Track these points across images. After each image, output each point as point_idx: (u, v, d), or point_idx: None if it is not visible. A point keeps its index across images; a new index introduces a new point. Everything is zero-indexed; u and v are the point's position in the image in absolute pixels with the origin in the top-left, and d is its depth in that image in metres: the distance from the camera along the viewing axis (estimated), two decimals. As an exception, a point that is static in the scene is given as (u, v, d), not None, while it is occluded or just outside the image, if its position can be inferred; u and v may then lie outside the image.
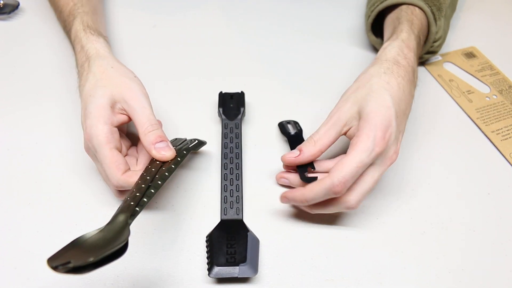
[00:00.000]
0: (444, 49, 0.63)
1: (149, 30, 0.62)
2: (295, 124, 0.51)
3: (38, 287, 0.39)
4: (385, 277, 0.40)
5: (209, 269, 0.39)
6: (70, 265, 0.28)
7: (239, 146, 0.47)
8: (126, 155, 0.43)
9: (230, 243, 0.40)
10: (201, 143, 0.46)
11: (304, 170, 0.44)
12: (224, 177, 0.45)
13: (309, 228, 0.44)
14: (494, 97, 0.57)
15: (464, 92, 0.57)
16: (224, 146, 0.47)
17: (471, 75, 0.59)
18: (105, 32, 0.53)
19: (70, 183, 0.46)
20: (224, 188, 0.44)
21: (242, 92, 0.52)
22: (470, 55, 0.62)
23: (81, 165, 0.47)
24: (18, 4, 0.64)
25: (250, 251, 0.39)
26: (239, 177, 0.45)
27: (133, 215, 0.34)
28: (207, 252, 0.40)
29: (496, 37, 0.65)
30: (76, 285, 0.39)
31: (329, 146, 0.42)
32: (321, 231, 0.43)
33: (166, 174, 0.38)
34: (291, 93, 0.56)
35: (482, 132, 0.53)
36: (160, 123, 0.44)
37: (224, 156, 0.47)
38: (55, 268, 0.29)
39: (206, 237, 0.41)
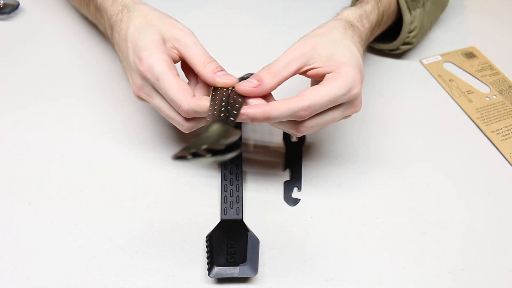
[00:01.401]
0: (444, 49, 0.63)
1: (149, 30, 0.62)
2: None
3: (38, 287, 0.39)
4: (385, 277, 0.40)
5: (209, 269, 0.39)
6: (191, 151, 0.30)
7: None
8: None
9: (230, 243, 0.40)
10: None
11: (291, 189, 0.46)
12: (224, 177, 0.45)
13: (309, 228, 0.44)
14: (494, 97, 0.57)
15: (464, 92, 0.57)
16: None
17: (471, 75, 0.59)
18: None
19: (70, 183, 0.46)
20: (224, 188, 0.44)
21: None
22: (470, 55, 0.62)
23: (81, 165, 0.47)
24: (18, 4, 0.64)
25: (250, 251, 0.39)
26: (239, 177, 0.45)
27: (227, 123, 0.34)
28: (207, 252, 0.40)
29: (496, 37, 0.65)
30: (76, 284, 0.39)
31: (285, 80, 0.40)
32: (321, 231, 0.43)
33: (235, 96, 0.38)
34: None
35: (482, 132, 0.53)
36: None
37: None
38: (177, 157, 0.30)
39: (206, 237, 0.41)
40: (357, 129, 0.52)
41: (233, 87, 0.39)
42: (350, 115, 0.42)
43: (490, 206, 0.46)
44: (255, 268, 0.39)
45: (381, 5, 0.50)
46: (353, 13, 0.46)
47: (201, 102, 0.38)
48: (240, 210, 0.43)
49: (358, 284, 0.40)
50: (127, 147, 0.49)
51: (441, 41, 0.64)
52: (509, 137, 0.52)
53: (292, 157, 0.49)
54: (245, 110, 0.37)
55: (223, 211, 0.43)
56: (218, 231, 0.41)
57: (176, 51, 0.41)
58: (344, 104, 0.40)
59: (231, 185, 0.45)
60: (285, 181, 0.47)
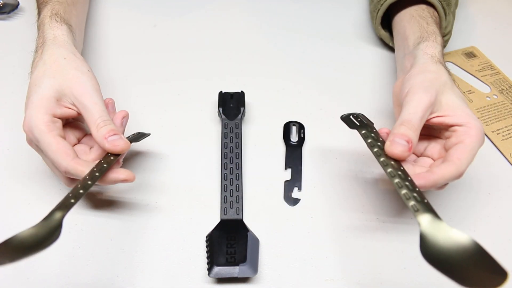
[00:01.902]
0: (444, 49, 0.62)
1: (149, 30, 0.62)
2: (300, 128, 0.51)
3: (38, 287, 0.39)
4: (385, 277, 0.40)
5: (209, 269, 0.39)
6: None
7: (239, 146, 0.47)
8: (76, 144, 0.42)
9: (230, 243, 0.40)
10: (143, 135, 0.46)
11: (291, 189, 0.46)
12: (224, 177, 0.45)
13: (309, 228, 0.44)
14: (495, 97, 0.57)
15: (464, 92, 0.57)
16: (224, 146, 0.47)
17: (472, 75, 0.59)
18: (78, 25, 0.51)
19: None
20: (224, 188, 0.44)
21: (242, 91, 0.52)
22: (470, 55, 0.62)
23: (81, 165, 0.47)
24: (18, 4, 0.64)
25: (250, 251, 0.39)
26: (239, 177, 0.45)
27: (67, 207, 0.34)
28: (207, 252, 0.40)
29: (496, 37, 0.65)
30: (76, 284, 0.39)
31: None
32: (321, 231, 0.43)
33: (105, 165, 0.38)
34: (291, 92, 0.56)
35: (482, 132, 0.53)
36: (125, 114, 0.43)
37: (224, 156, 0.47)
38: None
39: (206, 237, 0.41)
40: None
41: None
42: None
43: (490, 206, 0.46)
44: (255, 268, 0.39)
45: (441, 30, 0.51)
46: (439, 51, 0.47)
47: (79, 166, 0.38)
48: (240, 210, 0.43)
49: (358, 284, 0.40)
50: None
51: (441, 41, 0.64)
52: (510, 137, 0.52)
53: (292, 157, 0.49)
54: (417, 181, 0.37)
55: (223, 211, 0.43)
56: (218, 231, 0.41)
57: (74, 108, 0.41)
58: None
59: (231, 185, 0.45)
60: (285, 181, 0.47)
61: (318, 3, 0.67)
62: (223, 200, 0.44)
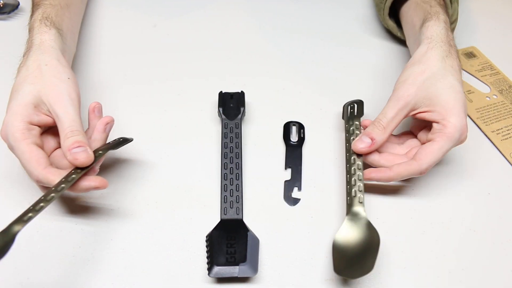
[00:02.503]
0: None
1: (149, 30, 0.62)
2: (300, 128, 0.51)
3: (38, 287, 0.39)
4: (385, 277, 0.40)
5: (209, 269, 0.38)
6: None
7: (239, 146, 0.47)
8: (57, 149, 0.42)
9: (230, 242, 0.40)
10: (125, 140, 0.45)
11: (291, 189, 0.46)
12: (224, 177, 0.45)
13: (309, 228, 0.44)
14: (494, 97, 0.57)
15: (464, 92, 0.57)
16: (224, 146, 0.47)
17: (471, 75, 0.59)
18: (71, 28, 0.51)
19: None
20: (224, 188, 0.44)
21: (242, 91, 0.52)
22: (470, 55, 0.62)
23: (81, 165, 0.47)
24: (18, 4, 0.64)
25: (250, 250, 0.39)
26: (239, 176, 0.45)
27: (24, 222, 0.35)
28: (207, 252, 0.40)
29: (496, 37, 0.65)
30: (76, 284, 0.39)
31: (394, 129, 0.44)
32: (321, 230, 0.43)
33: (73, 176, 0.38)
34: (291, 92, 0.56)
35: (482, 132, 0.53)
36: (109, 120, 0.42)
37: (224, 155, 0.46)
38: None
39: (206, 236, 0.41)
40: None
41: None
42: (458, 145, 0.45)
43: (490, 206, 0.46)
44: (255, 268, 0.39)
45: (446, 10, 0.51)
46: (439, 28, 0.47)
47: (50, 176, 0.38)
48: (240, 209, 0.43)
49: (358, 284, 0.40)
50: (126, 147, 0.49)
51: (441, 41, 0.64)
52: (509, 137, 0.52)
53: (292, 157, 0.49)
54: (370, 174, 0.43)
55: (223, 210, 0.43)
56: (218, 231, 0.41)
57: (51, 115, 0.41)
58: None
59: (231, 184, 0.44)
60: (285, 181, 0.47)
61: (318, 3, 0.67)
62: (223, 200, 0.44)
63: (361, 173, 0.43)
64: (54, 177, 0.38)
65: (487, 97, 0.57)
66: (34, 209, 0.35)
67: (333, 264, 0.38)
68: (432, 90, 0.43)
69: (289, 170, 0.48)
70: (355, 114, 0.48)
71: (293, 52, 0.61)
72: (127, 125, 0.51)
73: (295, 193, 0.46)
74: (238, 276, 0.38)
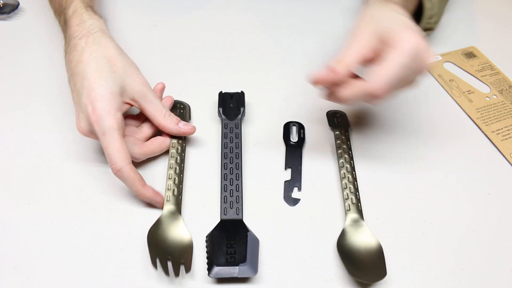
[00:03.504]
0: (444, 49, 0.63)
1: (149, 30, 0.62)
2: (300, 128, 0.51)
3: (38, 287, 0.39)
4: (385, 278, 0.40)
5: (209, 269, 0.38)
6: None
7: (239, 146, 0.47)
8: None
9: (230, 243, 0.40)
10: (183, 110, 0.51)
11: (291, 189, 0.46)
12: (224, 177, 0.45)
13: (309, 228, 0.44)
14: (494, 97, 0.57)
15: (464, 92, 0.57)
16: (224, 146, 0.47)
17: (471, 75, 0.59)
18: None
19: (70, 183, 0.46)
20: (224, 188, 0.44)
21: (242, 92, 0.52)
22: (470, 55, 0.62)
23: (81, 165, 0.47)
24: (18, 4, 0.64)
25: (250, 251, 0.39)
26: (239, 177, 0.45)
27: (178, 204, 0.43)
28: (206, 252, 0.40)
29: (496, 37, 0.65)
30: (76, 284, 0.39)
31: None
32: (321, 231, 0.43)
33: (179, 151, 0.47)
34: (291, 92, 0.56)
35: (482, 132, 0.53)
36: (171, 102, 0.50)
37: (224, 156, 0.47)
38: None
39: (206, 237, 0.41)
40: (356, 129, 0.52)
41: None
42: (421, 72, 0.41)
43: (490, 206, 0.46)
44: (255, 268, 0.39)
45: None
46: None
47: (132, 173, 0.41)
48: (239, 210, 0.43)
49: (358, 284, 0.40)
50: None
51: (441, 41, 0.64)
52: (509, 137, 0.52)
53: (292, 157, 0.49)
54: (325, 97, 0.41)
55: (223, 211, 0.43)
56: (218, 231, 0.41)
57: (135, 103, 0.43)
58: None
59: (231, 185, 0.44)
60: (285, 181, 0.47)
61: (318, 3, 0.67)
62: (223, 200, 0.44)
63: (350, 176, 0.46)
64: (135, 175, 0.42)
65: (487, 97, 0.57)
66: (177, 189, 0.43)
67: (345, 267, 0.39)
68: (383, 22, 0.40)
69: (289, 170, 0.48)
70: (342, 123, 0.51)
71: (293, 52, 0.61)
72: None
73: (295, 193, 0.46)
74: (238, 276, 0.38)
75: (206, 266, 0.39)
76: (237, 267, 0.38)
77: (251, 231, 0.41)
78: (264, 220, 0.44)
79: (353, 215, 0.43)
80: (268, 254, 0.42)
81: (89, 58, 0.43)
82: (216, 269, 0.38)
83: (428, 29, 0.58)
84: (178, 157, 0.46)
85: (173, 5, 0.66)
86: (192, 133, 0.47)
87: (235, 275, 0.38)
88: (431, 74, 0.59)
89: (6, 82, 0.55)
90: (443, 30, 0.65)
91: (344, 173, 0.46)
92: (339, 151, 0.48)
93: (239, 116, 0.49)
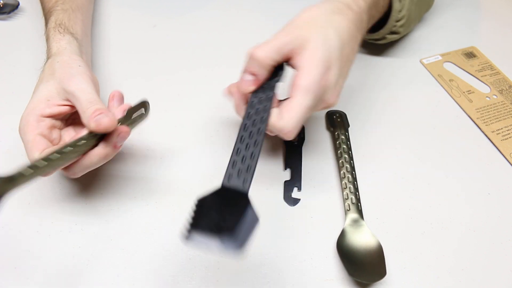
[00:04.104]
0: (444, 49, 0.63)
1: (149, 30, 0.62)
2: (300, 128, 0.51)
3: (38, 287, 0.39)
4: (385, 277, 0.40)
5: (187, 232, 0.30)
6: None
7: (267, 109, 0.38)
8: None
9: (222, 211, 0.31)
10: (140, 113, 0.43)
11: (291, 189, 0.46)
12: (240, 139, 0.36)
13: (309, 228, 0.44)
14: (494, 97, 0.57)
15: (464, 92, 0.57)
16: (250, 104, 0.39)
17: (471, 75, 0.59)
18: (85, 29, 0.52)
19: (70, 183, 0.46)
20: (236, 151, 0.36)
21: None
22: (470, 55, 0.62)
23: (81, 165, 0.47)
24: (18, 4, 0.64)
25: (244, 225, 0.30)
26: (258, 144, 0.36)
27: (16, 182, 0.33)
28: (190, 215, 0.31)
29: (496, 37, 0.65)
30: (76, 284, 0.39)
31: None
32: (321, 231, 0.43)
33: (83, 142, 0.37)
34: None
35: (482, 132, 0.53)
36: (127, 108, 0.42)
37: (247, 116, 0.38)
38: None
39: (196, 201, 0.32)
40: (357, 129, 0.52)
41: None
42: (323, 108, 0.42)
43: (490, 206, 0.46)
44: (241, 243, 0.29)
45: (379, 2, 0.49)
46: None
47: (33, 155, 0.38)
48: (247, 181, 0.34)
49: (358, 284, 0.40)
50: (127, 147, 0.49)
51: (441, 41, 0.64)
52: (509, 137, 0.52)
53: (292, 157, 0.49)
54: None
55: (227, 177, 0.34)
56: (213, 198, 0.32)
57: (67, 102, 0.41)
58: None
59: (245, 149, 0.36)
60: (285, 181, 0.47)
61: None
62: (232, 164, 0.35)
63: (350, 176, 0.46)
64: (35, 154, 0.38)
65: (487, 97, 0.57)
66: (30, 169, 0.34)
67: (345, 267, 0.40)
68: (304, 35, 0.39)
69: (289, 170, 0.48)
70: (341, 123, 0.50)
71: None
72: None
73: (295, 193, 0.46)
74: (218, 249, 0.29)
75: (186, 230, 0.30)
76: (220, 235, 0.29)
77: (253, 208, 0.32)
78: (264, 220, 0.44)
79: (353, 215, 0.43)
80: (268, 254, 0.42)
81: (38, 82, 0.44)
82: (195, 234, 0.29)
83: (394, 33, 0.56)
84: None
85: (173, 5, 0.66)
86: (103, 129, 0.37)
87: (214, 247, 0.29)
88: (431, 74, 0.59)
89: (6, 82, 0.55)
90: (443, 30, 0.66)
91: (344, 173, 0.46)
92: (339, 151, 0.48)
93: (278, 78, 0.42)
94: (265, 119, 0.38)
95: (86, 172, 0.40)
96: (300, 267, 0.41)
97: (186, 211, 0.44)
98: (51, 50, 0.46)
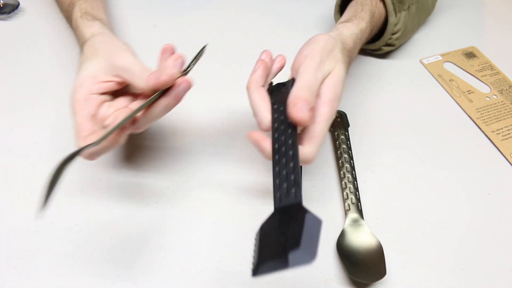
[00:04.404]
0: (444, 49, 0.63)
1: (149, 30, 0.62)
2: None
3: (38, 287, 0.39)
4: (385, 277, 0.40)
5: (254, 268, 0.30)
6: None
7: (291, 125, 0.37)
8: None
9: (282, 231, 0.31)
10: (201, 51, 0.45)
11: None
12: (276, 161, 0.36)
13: (309, 228, 0.44)
14: (494, 97, 0.57)
15: (464, 92, 0.57)
16: (275, 129, 0.37)
17: (471, 75, 0.59)
18: (106, 15, 0.54)
19: (70, 183, 0.46)
20: (278, 174, 0.35)
21: (293, 78, 0.43)
22: (470, 55, 0.62)
23: (81, 165, 0.47)
24: (18, 4, 0.64)
25: (307, 233, 0.29)
26: (295, 156, 0.35)
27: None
28: (253, 251, 0.32)
29: (496, 37, 0.65)
30: (76, 284, 0.39)
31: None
32: (321, 230, 0.43)
33: (151, 97, 0.39)
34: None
35: (482, 132, 0.53)
36: (180, 56, 0.42)
37: (275, 137, 0.37)
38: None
39: (257, 231, 0.33)
40: (356, 129, 0.52)
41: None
42: None
43: (490, 206, 0.46)
44: (312, 253, 0.29)
45: (374, 21, 0.52)
46: (351, 34, 0.48)
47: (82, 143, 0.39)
48: (298, 192, 0.33)
49: (358, 284, 0.40)
50: (127, 147, 0.49)
51: (441, 41, 0.64)
52: (509, 137, 0.52)
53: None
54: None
55: (278, 199, 0.34)
56: (270, 223, 0.32)
57: (115, 79, 0.42)
58: None
59: (285, 167, 0.35)
60: None
61: (319, 3, 0.67)
62: (277, 187, 0.34)
63: (350, 176, 0.46)
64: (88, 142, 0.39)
65: (487, 97, 0.57)
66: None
67: (345, 267, 0.40)
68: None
69: (289, 170, 0.48)
70: (342, 124, 0.51)
71: (294, 51, 0.61)
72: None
73: None
74: (291, 268, 0.28)
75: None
76: (289, 255, 0.28)
77: (311, 212, 0.31)
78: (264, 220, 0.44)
79: (353, 214, 0.43)
80: (268, 254, 0.42)
81: (79, 65, 0.44)
82: (262, 266, 0.29)
83: (389, 45, 0.58)
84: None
85: (173, 5, 0.66)
86: (162, 84, 0.39)
87: (286, 267, 0.28)
88: (431, 74, 0.59)
89: (6, 82, 0.55)
90: (443, 30, 0.66)
91: (344, 173, 0.46)
92: (339, 151, 0.48)
93: None
94: (293, 134, 0.36)
95: (150, 124, 0.41)
96: (300, 267, 0.41)
97: (186, 211, 0.44)
98: (84, 36, 0.47)
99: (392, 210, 0.45)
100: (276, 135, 0.37)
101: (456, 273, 0.41)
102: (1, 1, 0.63)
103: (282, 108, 0.38)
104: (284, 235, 0.30)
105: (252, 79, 0.41)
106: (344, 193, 0.45)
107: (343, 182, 0.46)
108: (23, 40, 0.60)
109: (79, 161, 0.47)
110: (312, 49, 0.42)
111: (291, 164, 0.35)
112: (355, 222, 0.43)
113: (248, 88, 0.40)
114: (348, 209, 0.44)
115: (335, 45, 0.43)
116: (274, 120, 0.38)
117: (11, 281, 0.39)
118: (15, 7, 0.63)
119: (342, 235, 0.42)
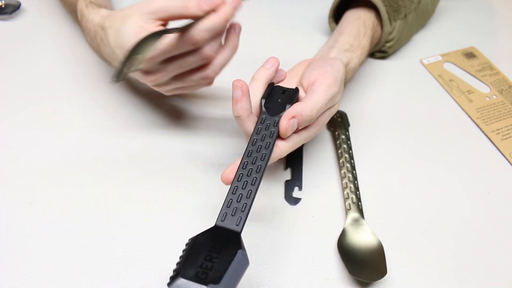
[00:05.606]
0: (444, 49, 0.63)
1: (150, 30, 0.62)
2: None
3: (40, 286, 0.39)
4: (386, 276, 0.40)
5: (172, 278, 0.31)
6: None
7: (269, 147, 0.39)
8: None
9: (211, 255, 0.32)
10: None
11: (291, 189, 0.46)
12: (238, 177, 0.37)
13: (310, 227, 0.44)
14: (494, 97, 0.57)
15: (464, 92, 0.57)
16: (252, 142, 0.39)
17: (471, 75, 0.60)
18: (110, 3, 0.54)
19: (71, 183, 0.46)
20: (233, 190, 0.37)
21: (296, 88, 0.44)
22: (470, 55, 0.62)
23: (82, 165, 0.47)
24: (20, 4, 0.64)
25: (231, 272, 0.31)
26: (255, 182, 0.37)
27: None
28: (180, 257, 0.33)
29: (496, 37, 0.65)
30: (78, 283, 0.39)
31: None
32: (322, 230, 0.43)
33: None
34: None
35: (482, 132, 0.53)
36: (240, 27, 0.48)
37: (247, 154, 0.39)
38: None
39: (189, 239, 0.34)
40: (357, 129, 0.52)
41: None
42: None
43: (490, 206, 0.46)
44: None
45: (374, 39, 0.55)
46: (353, 68, 0.51)
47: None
48: (241, 221, 0.35)
49: (358, 283, 0.40)
50: (127, 147, 0.49)
51: (441, 41, 0.64)
52: (509, 137, 0.52)
53: (293, 156, 0.49)
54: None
55: (222, 216, 0.35)
56: (204, 238, 0.34)
57: (160, 22, 0.41)
58: None
59: (242, 188, 0.37)
60: (286, 181, 0.47)
61: (319, 3, 0.67)
62: (227, 203, 0.36)
63: (351, 175, 0.46)
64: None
65: (487, 97, 0.57)
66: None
67: (345, 266, 0.40)
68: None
69: (289, 170, 0.48)
70: (343, 124, 0.51)
71: (295, 51, 0.61)
72: (128, 124, 0.51)
73: (296, 193, 0.46)
74: None
75: (172, 273, 0.32)
76: (205, 287, 0.30)
77: (245, 251, 0.33)
78: (264, 220, 0.44)
79: (353, 214, 0.43)
80: (268, 253, 0.42)
81: (107, 35, 0.44)
82: (179, 281, 0.31)
83: (382, 52, 0.59)
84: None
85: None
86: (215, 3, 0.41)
87: None
88: (431, 74, 0.59)
89: (7, 82, 0.55)
90: (443, 31, 0.66)
91: (345, 172, 0.46)
92: (340, 151, 0.48)
93: (282, 113, 0.41)
94: (265, 157, 0.39)
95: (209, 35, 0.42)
96: (301, 266, 0.41)
97: (186, 211, 0.44)
98: (93, 21, 0.47)
99: (392, 209, 0.45)
100: (249, 151, 0.39)
101: (456, 272, 0.41)
102: (3, 2, 0.63)
103: (269, 122, 0.41)
104: (211, 261, 0.32)
105: (240, 107, 0.40)
106: (345, 192, 0.45)
107: (343, 182, 0.46)
108: (24, 40, 0.61)
109: (79, 160, 0.48)
110: (335, 76, 0.43)
111: (248, 189, 0.37)
112: (355, 221, 0.43)
113: (238, 118, 0.41)
114: (348, 208, 0.44)
115: (343, 79, 0.45)
116: (254, 132, 0.40)
117: (13, 280, 0.39)
118: (16, 8, 0.63)
119: (343, 235, 0.42)
